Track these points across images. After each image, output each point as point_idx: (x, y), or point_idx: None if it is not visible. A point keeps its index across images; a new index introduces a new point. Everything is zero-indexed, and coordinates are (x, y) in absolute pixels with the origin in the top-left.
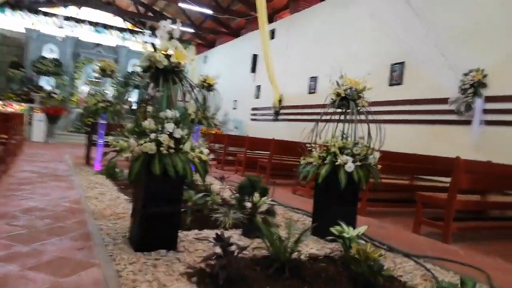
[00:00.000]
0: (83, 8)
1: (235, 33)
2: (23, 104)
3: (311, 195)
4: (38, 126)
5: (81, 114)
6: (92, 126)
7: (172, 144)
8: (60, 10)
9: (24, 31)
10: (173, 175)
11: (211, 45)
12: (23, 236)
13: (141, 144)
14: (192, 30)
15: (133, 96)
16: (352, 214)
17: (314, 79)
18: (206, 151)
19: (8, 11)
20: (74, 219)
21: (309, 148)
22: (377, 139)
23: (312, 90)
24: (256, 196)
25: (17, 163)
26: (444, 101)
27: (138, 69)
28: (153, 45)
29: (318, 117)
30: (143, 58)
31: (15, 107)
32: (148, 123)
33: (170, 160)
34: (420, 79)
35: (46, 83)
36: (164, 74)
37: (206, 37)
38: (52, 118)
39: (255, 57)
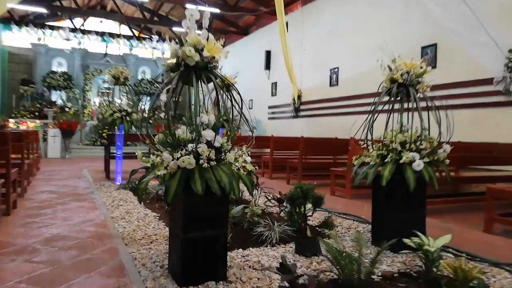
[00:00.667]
0: (89, 19)
1: (244, 31)
2: (36, 120)
3: (352, 195)
4: (53, 142)
5: (96, 126)
6: (109, 138)
7: (212, 155)
8: (66, 23)
9: (30, 46)
10: (218, 192)
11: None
12: (46, 276)
13: (178, 158)
14: (200, 32)
15: (146, 105)
16: (421, 220)
17: (335, 70)
18: (248, 158)
19: (14, 28)
20: (103, 247)
21: (363, 145)
22: (446, 129)
23: (334, 83)
24: (309, 206)
25: (34, 184)
26: (487, 82)
27: (148, 76)
28: (179, 39)
29: (342, 110)
30: (171, 54)
31: (29, 124)
32: (182, 132)
33: (212, 175)
34: (457, 61)
35: (58, 97)
36: (196, 72)
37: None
38: (67, 132)
39: (268, 53)
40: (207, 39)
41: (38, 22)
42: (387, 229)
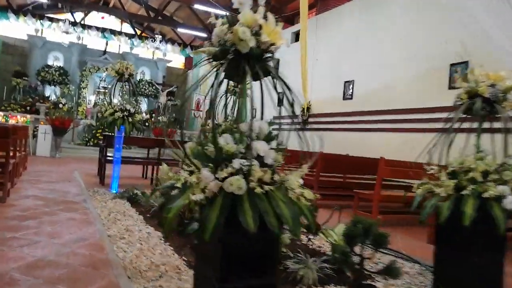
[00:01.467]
0: (90, 15)
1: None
2: (27, 115)
3: (385, 221)
4: (43, 139)
5: (90, 126)
6: (106, 140)
7: (268, 177)
8: (66, 16)
9: (26, 37)
10: (276, 230)
11: None
12: None
13: (224, 179)
14: (205, 35)
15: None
16: (498, 268)
17: (350, 83)
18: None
19: (11, 17)
20: (100, 281)
21: (429, 171)
22: None
23: (348, 96)
24: (370, 246)
25: (19, 186)
26: None
27: (147, 77)
28: (231, 13)
29: (355, 126)
30: (215, 36)
31: (19, 119)
32: (225, 141)
33: (269, 206)
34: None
35: (52, 93)
36: (249, 62)
37: None
38: (59, 130)
39: (277, 63)
40: (265, 20)
41: (37, 13)
42: (462, 276)
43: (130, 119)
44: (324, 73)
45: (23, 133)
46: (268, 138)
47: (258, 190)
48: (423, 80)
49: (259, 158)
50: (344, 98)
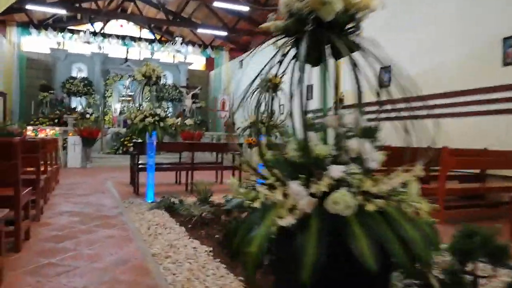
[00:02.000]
0: (109, 24)
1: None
2: (56, 128)
3: (450, 218)
4: (73, 150)
5: (120, 133)
6: (138, 147)
7: (379, 188)
8: (86, 27)
9: (49, 51)
10: (406, 264)
11: (244, 48)
12: None
13: (326, 196)
14: (225, 33)
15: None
16: None
17: (387, 70)
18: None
19: (33, 32)
20: None
21: None
22: None
23: (385, 83)
24: (485, 261)
25: (52, 202)
26: None
27: (170, 81)
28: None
29: (395, 114)
30: (282, 6)
31: (48, 132)
32: (316, 143)
33: (387, 229)
34: None
35: (78, 104)
36: (331, 36)
37: (239, 40)
38: (88, 140)
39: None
40: None
41: (57, 26)
42: None
43: (162, 124)
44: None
45: (53, 146)
46: (368, 134)
47: (371, 207)
48: (472, 59)
49: (357, 161)
50: (381, 86)
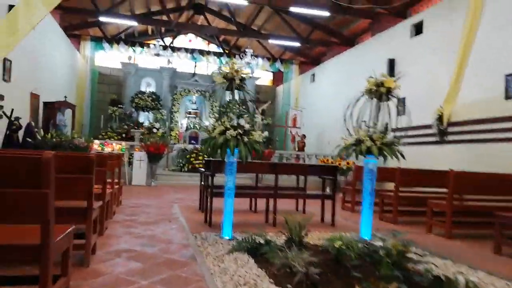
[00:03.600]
0: (178, 39)
1: (349, 42)
2: (122, 142)
3: None
4: (139, 166)
5: (186, 150)
6: (213, 166)
7: None
8: (157, 41)
9: (120, 66)
10: None
11: (316, 62)
12: None
13: None
14: (298, 44)
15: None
16: None
17: None
18: None
19: (106, 47)
20: None
21: None
22: None
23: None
24: None
25: (110, 233)
26: None
27: (236, 97)
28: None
29: None
30: None
31: (114, 147)
32: None
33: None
34: None
35: (145, 119)
36: None
37: (309, 53)
38: (154, 156)
39: (391, 62)
40: None
41: (129, 40)
42: None
43: (246, 139)
44: (474, 65)
45: (116, 163)
46: None
47: None
48: None
49: None
50: (507, 97)
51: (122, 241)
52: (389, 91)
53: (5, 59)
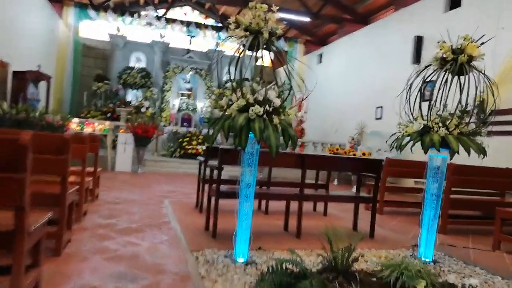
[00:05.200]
0: (172, 11)
1: (363, 20)
2: (105, 122)
3: None
4: (123, 150)
5: (178, 133)
6: (222, 157)
7: None
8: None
9: (108, 38)
10: None
11: (323, 42)
12: None
13: None
14: (308, 19)
15: None
16: None
17: None
18: None
19: (92, 14)
20: None
21: None
22: None
23: None
24: None
25: (74, 247)
26: None
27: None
28: None
29: None
30: None
31: (96, 127)
32: None
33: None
34: None
35: (134, 97)
36: None
37: (316, 32)
38: (141, 139)
39: (419, 40)
40: None
41: (118, 9)
42: None
43: (277, 120)
44: None
45: (84, 148)
46: None
47: None
48: None
49: None
50: None
51: (86, 270)
52: (470, 60)
53: None
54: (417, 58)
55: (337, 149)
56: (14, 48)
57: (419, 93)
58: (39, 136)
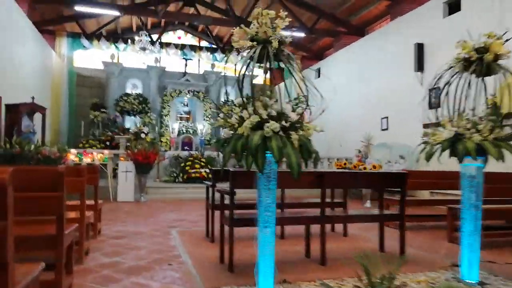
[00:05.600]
0: (166, 35)
1: (358, 31)
2: (105, 151)
3: None
4: (125, 179)
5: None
6: (234, 180)
7: None
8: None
9: (102, 66)
10: None
11: (319, 56)
12: None
13: None
14: (303, 35)
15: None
16: None
17: None
18: None
19: (85, 43)
20: None
21: None
22: None
23: None
24: None
25: None
26: None
27: (232, 97)
28: None
29: None
30: None
31: (95, 156)
32: None
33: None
34: None
35: (132, 124)
36: None
37: (312, 47)
38: (142, 166)
39: (420, 47)
40: None
41: (111, 36)
42: None
43: (295, 136)
44: None
45: (82, 181)
46: None
47: None
48: None
49: None
50: None
51: None
52: (496, 59)
53: None
54: (419, 65)
55: (345, 164)
56: (7, 81)
57: (445, 96)
58: (28, 171)
